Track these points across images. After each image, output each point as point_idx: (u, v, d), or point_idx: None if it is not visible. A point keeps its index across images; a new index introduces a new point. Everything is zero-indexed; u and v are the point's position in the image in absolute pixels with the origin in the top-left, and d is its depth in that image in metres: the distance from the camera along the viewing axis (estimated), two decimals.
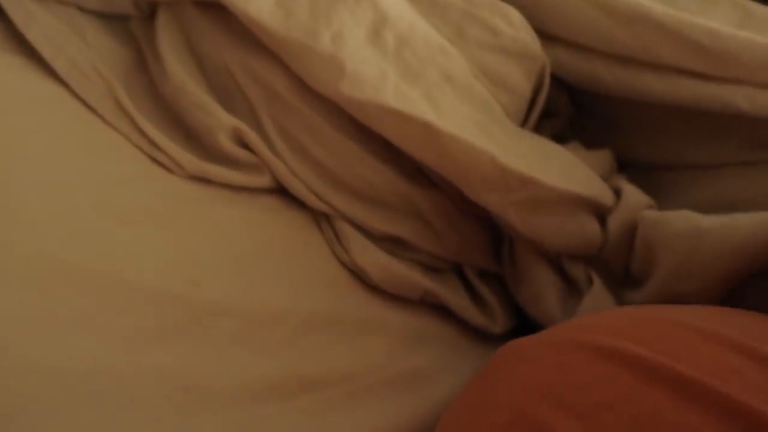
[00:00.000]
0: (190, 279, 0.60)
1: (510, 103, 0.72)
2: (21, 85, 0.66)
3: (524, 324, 0.73)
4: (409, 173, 0.70)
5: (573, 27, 0.73)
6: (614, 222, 0.65)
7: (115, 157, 0.66)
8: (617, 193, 0.67)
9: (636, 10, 0.69)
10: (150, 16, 0.74)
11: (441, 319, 0.72)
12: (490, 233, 0.74)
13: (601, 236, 0.66)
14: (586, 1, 0.71)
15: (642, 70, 0.70)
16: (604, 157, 0.73)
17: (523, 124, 0.74)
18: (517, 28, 0.73)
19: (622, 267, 0.66)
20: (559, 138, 0.73)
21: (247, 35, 0.68)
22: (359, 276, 0.70)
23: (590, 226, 0.66)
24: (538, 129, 0.75)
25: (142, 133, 0.67)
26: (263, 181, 0.70)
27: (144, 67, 0.73)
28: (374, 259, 0.69)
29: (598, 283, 0.65)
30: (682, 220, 0.60)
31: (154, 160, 0.67)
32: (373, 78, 0.65)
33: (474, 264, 0.74)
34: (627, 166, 0.74)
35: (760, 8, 0.70)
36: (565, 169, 0.66)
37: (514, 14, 0.73)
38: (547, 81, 0.74)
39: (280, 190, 0.71)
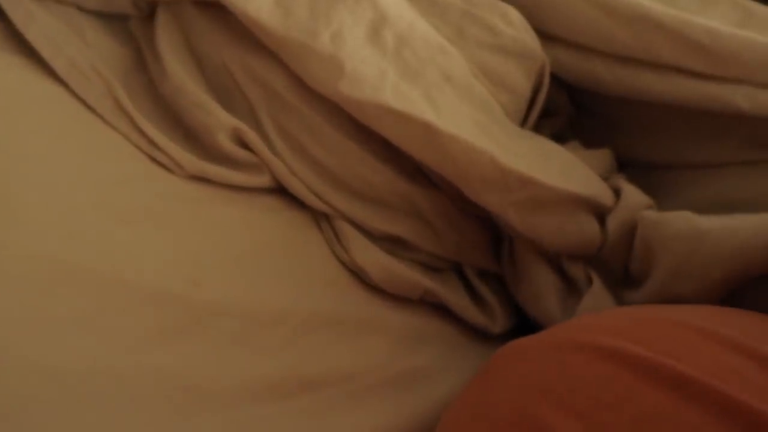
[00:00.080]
0: (190, 279, 0.60)
1: (509, 103, 0.72)
2: (20, 85, 0.66)
3: (524, 324, 0.73)
4: (408, 173, 0.70)
5: (573, 27, 0.73)
6: (613, 222, 0.65)
7: (114, 156, 0.66)
8: (617, 192, 0.67)
9: (636, 10, 0.69)
10: (149, 15, 0.74)
11: (441, 318, 0.72)
12: (490, 233, 0.74)
13: (601, 236, 0.66)
14: (586, 1, 0.71)
15: (642, 70, 0.70)
16: (603, 156, 0.73)
17: (523, 123, 0.74)
18: (516, 27, 0.73)
19: (622, 267, 0.66)
20: (559, 137, 0.73)
21: (246, 35, 0.68)
22: (359, 276, 0.70)
23: (589, 226, 0.66)
24: (537, 128, 0.75)
25: (142, 133, 0.67)
26: (263, 180, 0.70)
27: (143, 66, 0.73)
28: (374, 259, 0.69)
29: (597, 282, 0.65)
30: (681, 221, 0.60)
31: (153, 159, 0.67)
32: (373, 77, 0.65)
33: (474, 264, 0.74)
34: (627, 166, 0.74)
35: (760, 8, 0.70)
36: (565, 169, 0.66)
37: (514, 14, 0.73)
38: (546, 80, 0.74)
39: (279, 190, 0.71)
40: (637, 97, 0.72)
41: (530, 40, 0.73)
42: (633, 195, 0.66)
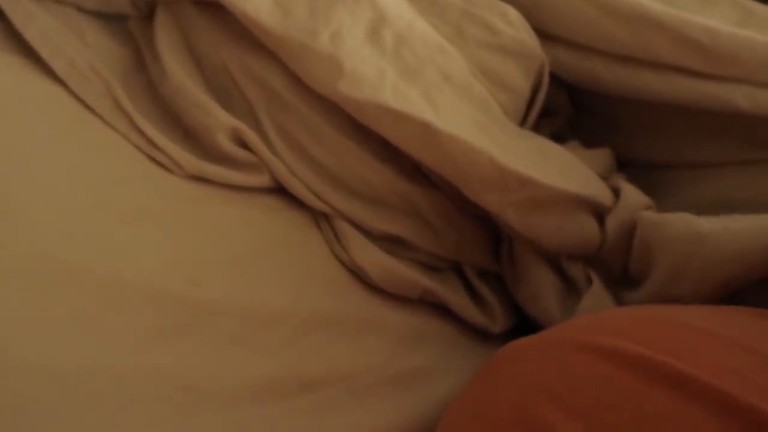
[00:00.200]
0: (189, 279, 0.60)
1: (509, 103, 0.72)
2: (19, 85, 0.65)
3: (524, 323, 0.73)
4: (408, 172, 0.70)
5: (572, 26, 0.73)
6: (613, 222, 0.65)
7: (113, 156, 0.65)
8: (616, 192, 0.67)
9: (635, 9, 0.69)
10: (148, 15, 0.74)
11: (440, 318, 0.72)
12: (490, 232, 0.74)
13: (600, 236, 0.66)
14: (585, 1, 0.71)
15: (641, 69, 0.70)
16: (603, 156, 0.73)
17: (522, 123, 0.74)
18: (516, 27, 0.73)
19: (621, 267, 0.66)
20: (559, 137, 0.73)
21: (245, 34, 0.68)
22: (359, 275, 0.70)
23: (589, 226, 0.66)
24: (537, 128, 0.75)
25: (141, 133, 0.66)
26: (262, 180, 0.69)
27: (142, 66, 0.73)
28: (374, 259, 0.69)
29: (597, 282, 0.65)
30: (681, 222, 0.60)
31: (152, 159, 0.67)
32: (372, 77, 0.65)
33: (473, 263, 0.74)
34: (626, 165, 0.74)
35: (759, 7, 0.70)
36: (564, 169, 0.66)
37: (513, 13, 0.73)
38: (546, 80, 0.74)
39: (279, 190, 0.71)
40: (636, 97, 0.72)
41: (529, 39, 0.73)
42: (632, 195, 0.66)
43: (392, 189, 0.70)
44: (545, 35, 0.75)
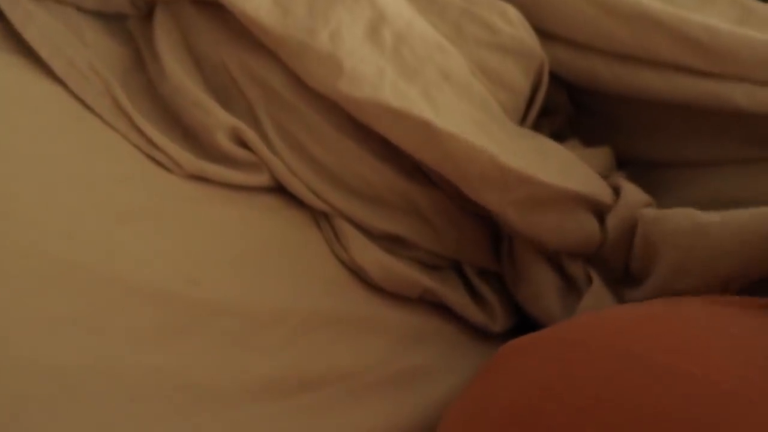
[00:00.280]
0: (189, 278, 0.60)
1: (508, 101, 0.72)
2: (19, 85, 0.65)
3: (524, 322, 0.73)
4: (407, 171, 0.70)
5: (571, 25, 0.74)
6: (613, 220, 0.65)
7: (113, 156, 0.65)
8: (616, 191, 0.67)
9: (635, 8, 0.69)
10: (147, 15, 0.74)
11: (440, 317, 0.72)
12: (490, 231, 0.74)
13: (600, 234, 0.66)
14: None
15: (641, 68, 0.71)
16: (603, 154, 0.73)
17: (522, 122, 0.74)
18: (515, 26, 0.73)
19: (622, 265, 0.66)
20: (558, 136, 0.74)
21: (244, 34, 0.68)
22: (358, 274, 0.70)
23: (589, 224, 0.66)
24: (537, 127, 0.75)
25: (140, 132, 0.66)
26: (262, 180, 0.69)
27: (142, 66, 0.72)
28: (373, 258, 0.69)
29: (597, 281, 0.65)
30: (682, 217, 0.60)
31: (152, 159, 0.67)
32: (371, 76, 0.65)
33: (473, 262, 0.73)
34: (627, 164, 0.74)
35: (759, 5, 0.71)
36: (564, 168, 0.66)
37: (513, 12, 0.74)
38: (545, 79, 0.75)
39: (278, 189, 0.71)
40: (636, 95, 0.72)
41: (529, 38, 0.73)
42: (632, 193, 0.66)
43: (392, 188, 0.70)
44: (545, 34, 0.75)
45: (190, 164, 0.67)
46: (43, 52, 0.67)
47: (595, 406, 0.38)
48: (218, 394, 0.56)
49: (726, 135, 0.68)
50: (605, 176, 0.69)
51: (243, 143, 0.69)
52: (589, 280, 0.66)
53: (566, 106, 0.81)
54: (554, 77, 0.76)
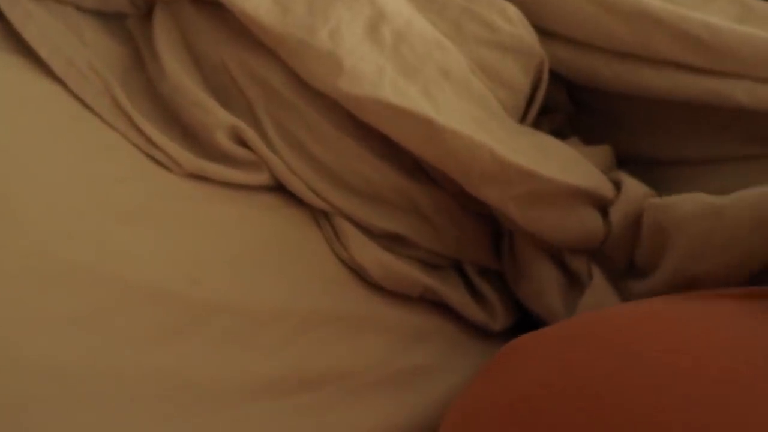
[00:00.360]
0: (189, 277, 0.60)
1: (508, 99, 0.72)
2: (18, 84, 0.66)
3: (524, 320, 0.73)
4: (407, 169, 0.70)
5: (571, 23, 0.73)
6: (616, 214, 0.65)
7: (112, 155, 0.65)
8: (617, 185, 0.67)
9: (634, 6, 0.69)
10: (147, 14, 0.74)
11: (441, 316, 0.71)
12: (490, 230, 0.73)
13: (604, 229, 0.66)
14: None
15: (641, 66, 0.71)
16: (603, 152, 0.73)
17: (522, 120, 0.74)
18: (514, 24, 0.73)
19: (626, 259, 0.66)
20: (558, 134, 0.73)
21: (244, 32, 0.68)
22: (358, 273, 0.70)
23: (591, 219, 0.66)
24: (536, 125, 0.75)
25: (140, 132, 0.66)
26: (261, 178, 0.69)
27: (141, 65, 0.72)
28: (373, 256, 0.69)
29: (598, 276, 0.65)
30: (693, 201, 0.60)
31: (151, 158, 0.67)
32: (371, 74, 0.65)
33: (474, 260, 0.73)
34: (627, 162, 0.74)
35: (758, 3, 0.71)
36: (565, 163, 0.66)
37: (512, 10, 0.73)
38: (545, 77, 0.74)
39: (278, 188, 0.71)
40: (636, 93, 0.72)
41: (528, 36, 0.73)
42: (634, 187, 0.66)
43: (392, 186, 0.70)
44: (544, 32, 0.75)
45: (189, 163, 0.67)
46: (43, 52, 0.67)
47: (596, 404, 0.38)
48: (218, 394, 0.56)
49: (727, 132, 0.68)
50: (605, 174, 0.69)
51: (242, 142, 0.69)
52: (592, 276, 0.66)
53: (566, 105, 0.80)
54: (554, 75, 0.76)
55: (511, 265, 0.72)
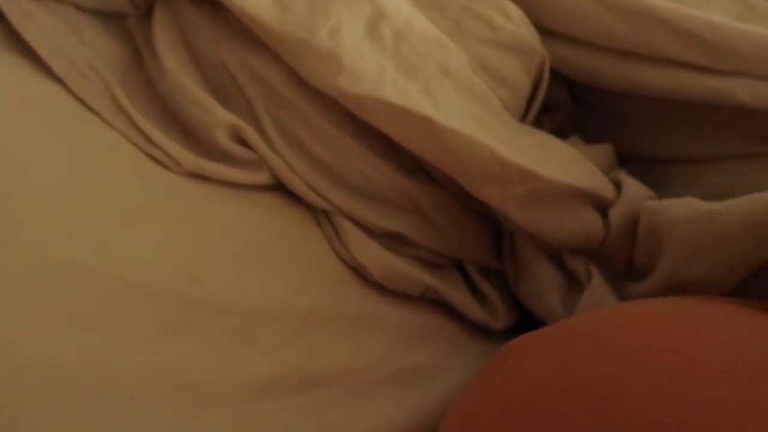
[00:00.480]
0: (189, 277, 0.60)
1: (509, 98, 0.72)
2: (18, 84, 0.66)
3: (525, 319, 0.72)
4: (408, 168, 0.70)
5: (573, 21, 0.73)
6: (616, 214, 0.65)
7: (112, 155, 0.65)
8: (618, 186, 0.67)
9: (637, 5, 0.69)
10: (147, 13, 0.74)
11: (442, 315, 0.71)
12: (491, 229, 0.73)
13: (603, 229, 0.66)
14: None
15: (642, 64, 0.70)
16: (604, 151, 0.73)
17: (523, 119, 0.74)
18: (515, 22, 0.73)
19: (625, 260, 0.66)
20: (559, 133, 0.73)
21: (243, 31, 0.68)
22: (359, 272, 0.70)
23: (591, 220, 0.66)
24: (537, 124, 0.75)
25: (140, 131, 0.66)
26: (262, 178, 0.69)
27: (141, 65, 0.73)
28: (374, 256, 0.69)
29: (597, 277, 0.65)
30: (685, 205, 0.60)
31: (151, 157, 0.67)
32: (371, 73, 0.65)
33: (474, 260, 0.73)
34: (628, 161, 0.74)
35: (759, 1, 0.70)
36: (565, 163, 0.66)
37: (512, 8, 0.73)
38: (546, 76, 0.74)
39: (278, 187, 0.71)
40: (637, 92, 0.72)
41: (529, 34, 0.73)
42: (634, 187, 0.66)
43: (392, 185, 0.69)
44: (545, 31, 0.75)
45: (189, 162, 0.67)
46: (43, 52, 0.67)
47: (594, 404, 0.38)
48: (218, 393, 0.56)
49: (728, 130, 0.68)
50: (606, 173, 0.69)
51: (242, 141, 0.69)
52: (590, 277, 0.65)
53: (567, 103, 0.80)
54: (555, 74, 0.76)
55: (512, 264, 0.72)
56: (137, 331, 0.55)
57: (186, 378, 0.55)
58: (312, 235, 0.70)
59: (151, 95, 0.71)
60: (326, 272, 0.69)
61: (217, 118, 0.68)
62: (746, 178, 0.65)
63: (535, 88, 0.75)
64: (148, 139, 0.66)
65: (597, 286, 0.64)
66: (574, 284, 0.67)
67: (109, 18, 0.74)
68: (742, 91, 0.65)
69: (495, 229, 0.73)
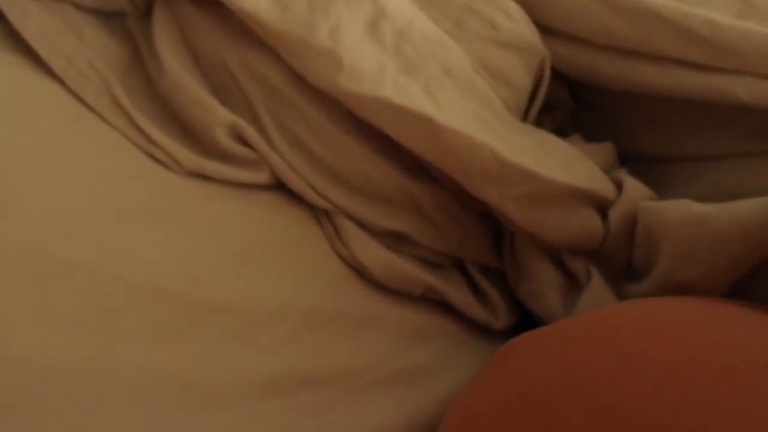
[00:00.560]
0: (189, 276, 0.60)
1: (510, 97, 0.72)
2: (18, 83, 0.66)
3: (526, 318, 0.72)
4: (408, 167, 0.70)
5: (573, 20, 0.73)
6: (616, 215, 0.65)
7: (112, 154, 0.65)
8: (618, 186, 0.67)
9: (636, 3, 0.69)
10: (146, 13, 0.74)
11: (442, 315, 0.71)
12: (491, 228, 0.73)
13: (603, 230, 0.66)
14: None
15: (642, 63, 0.70)
16: (605, 150, 0.73)
17: (524, 118, 0.74)
18: (516, 21, 0.73)
19: (624, 260, 0.66)
20: (560, 132, 0.73)
21: (243, 30, 0.68)
22: (360, 272, 0.70)
23: (591, 220, 0.65)
24: (538, 123, 0.75)
25: (140, 130, 0.67)
26: (262, 177, 0.69)
27: (141, 64, 0.73)
28: (375, 255, 0.69)
29: (596, 277, 0.65)
30: (680, 207, 0.60)
31: (151, 157, 0.67)
32: (371, 72, 0.65)
33: (475, 259, 0.73)
34: (629, 160, 0.74)
35: None
36: (566, 163, 0.66)
37: (514, 8, 0.73)
38: (547, 74, 0.74)
39: (279, 186, 0.71)
40: (638, 91, 0.71)
41: (530, 33, 0.73)
42: (635, 188, 0.66)
43: (393, 184, 0.69)
44: (546, 30, 0.75)
45: (189, 162, 0.67)
46: (42, 51, 0.67)
47: (594, 403, 0.38)
48: (219, 393, 0.56)
49: (728, 129, 0.68)
50: (607, 172, 0.68)
51: (242, 140, 0.69)
52: (590, 277, 0.65)
53: (568, 102, 0.80)
54: (555, 73, 0.76)
55: (512, 264, 0.72)
56: (137, 330, 0.55)
57: (186, 378, 0.55)
58: (312, 235, 0.70)
59: (150, 94, 0.71)
60: (327, 272, 0.69)
61: (217, 117, 0.68)
62: (746, 177, 0.65)
63: (536, 87, 0.75)
64: (148, 139, 0.67)
65: (596, 286, 0.64)
66: (573, 284, 0.67)
67: (108, 17, 0.74)
68: (742, 89, 0.65)
69: (496, 228, 0.73)
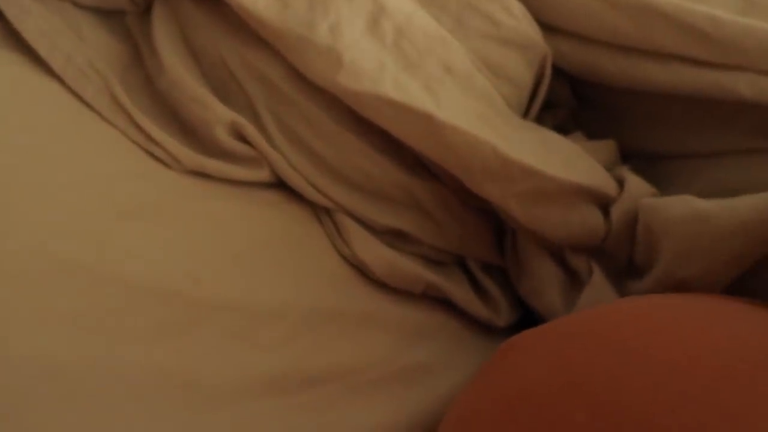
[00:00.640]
0: (189, 275, 0.60)
1: (511, 94, 0.72)
2: (17, 81, 0.66)
3: (528, 316, 0.72)
4: (408, 165, 0.70)
5: (575, 17, 0.73)
6: (617, 212, 0.65)
7: (112, 152, 0.65)
8: (620, 183, 0.66)
9: (638, 0, 0.69)
10: (146, 10, 0.74)
11: (444, 312, 0.71)
12: (493, 225, 0.73)
13: (605, 227, 0.65)
14: None
15: (645, 60, 0.70)
16: (606, 147, 0.73)
17: (525, 115, 0.74)
18: (517, 18, 0.73)
19: (626, 257, 0.66)
20: (562, 129, 0.73)
21: (243, 27, 0.68)
22: (360, 270, 0.70)
23: (593, 217, 0.65)
24: (539, 121, 0.75)
25: (139, 128, 0.67)
26: (262, 175, 0.69)
27: (140, 62, 0.73)
28: (376, 253, 0.69)
29: (597, 274, 0.65)
30: (681, 204, 0.59)
31: (151, 155, 0.67)
32: (371, 69, 0.65)
33: (477, 257, 0.73)
34: (630, 157, 0.73)
35: None
36: (568, 160, 0.66)
37: (515, 5, 0.73)
38: (548, 72, 0.74)
39: (279, 184, 0.71)
40: (640, 88, 0.71)
41: (532, 30, 0.73)
42: (637, 185, 0.66)
43: (393, 181, 0.69)
44: (547, 27, 0.75)
45: (189, 160, 0.67)
46: (41, 49, 0.67)
47: (594, 401, 0.38)
48: (219, 391, 0.55)
49: (730, 126, 0.68)
50: (609, 169, 0.68)
51: (242, 138, 0.69)
52: (591, 274, 0.65)
53: (569, 99, 0.80)
54: (557, 70, 0.76)
55: (514, 261, 0.72)
56: (137, 330, 0.55)
57: (186, 377, 0.55)
58: (313, 233, 0.70)
59: (150, 92, 0.71)
60: (328, 270, 0.69)
61: (217, 115, 0.68)
62: (748, 173, 0.65)
63: (538, 84, 0.74)
64: (148, 137, 0.67)
65: (598, 284, 0.64)
66: (575, 282, 0.67)
67: (108, 15, 0.74)
68: (745, 85, 0.64)
69: (497, 225, 0.73)
